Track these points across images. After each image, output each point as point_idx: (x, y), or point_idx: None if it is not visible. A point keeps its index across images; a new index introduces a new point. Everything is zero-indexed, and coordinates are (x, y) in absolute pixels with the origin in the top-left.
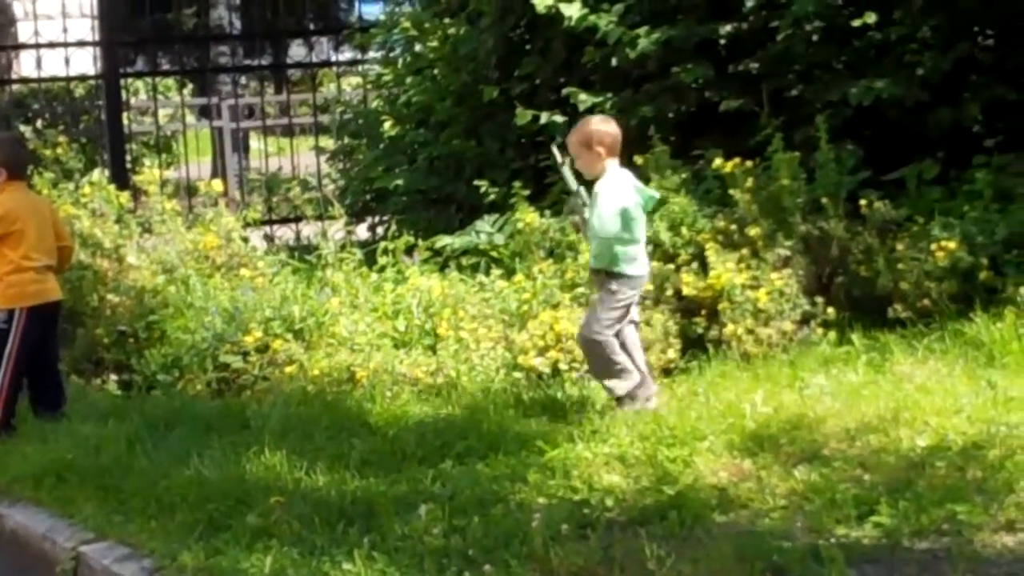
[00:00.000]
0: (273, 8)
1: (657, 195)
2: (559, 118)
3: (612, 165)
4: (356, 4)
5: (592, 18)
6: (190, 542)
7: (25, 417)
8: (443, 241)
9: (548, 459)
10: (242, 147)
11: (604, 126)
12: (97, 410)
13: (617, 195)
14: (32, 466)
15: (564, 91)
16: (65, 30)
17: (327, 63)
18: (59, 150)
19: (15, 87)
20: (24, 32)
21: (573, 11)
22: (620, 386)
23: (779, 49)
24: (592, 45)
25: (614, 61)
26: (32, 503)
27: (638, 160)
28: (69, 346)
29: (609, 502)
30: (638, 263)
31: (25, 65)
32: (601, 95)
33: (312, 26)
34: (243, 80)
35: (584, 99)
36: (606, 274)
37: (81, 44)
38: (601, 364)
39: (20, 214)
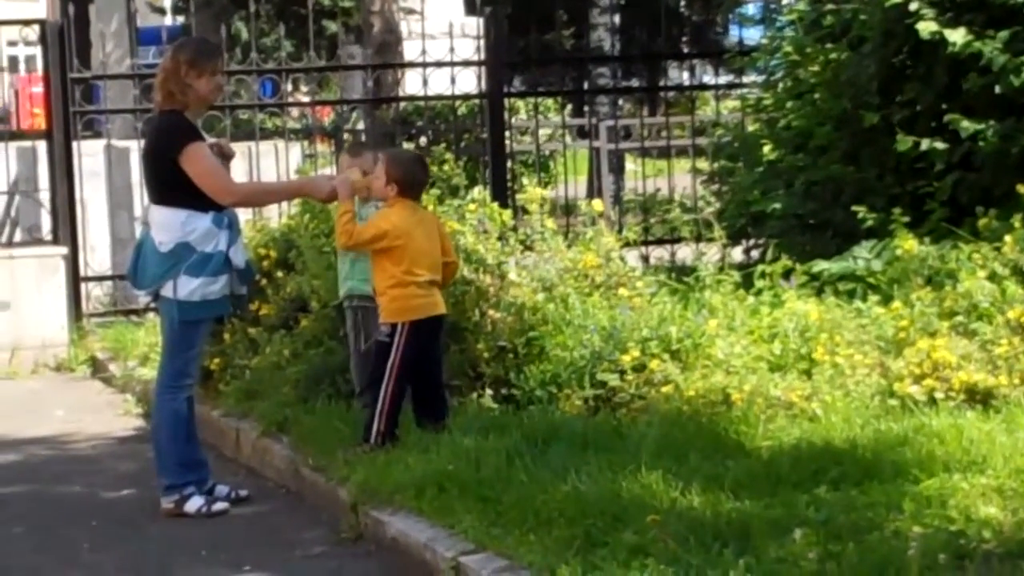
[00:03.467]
0: (651, 31)
1: None
2: (940, 145)
3: None
4: (733, 28)
5: (977, 44)
6: (568, 557)
7: (408, 428)
8: (820, 266)
9: (923, 488)
10: (618, 167)
11: None
12: (477, 423)
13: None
14: (414, 476)
15: (946, 118)
16: (452, 50)
17: (705, 86)
18: (446, 167)
19: (400, 104)
20: (409, 52)
21: (957, 37)
22: None
23: None
24: (976, 72)
25: (998, 88)
26: (413, 512)
27: (1021, 189)
28: (448, 359)
29: (987, 534)
30: None
31: (410, 83)
32: (983, 122)
33: (688, 49)
34: (619, 101)
35: (966, 126)
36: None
37: (467, 64)
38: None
39: (405, 229)
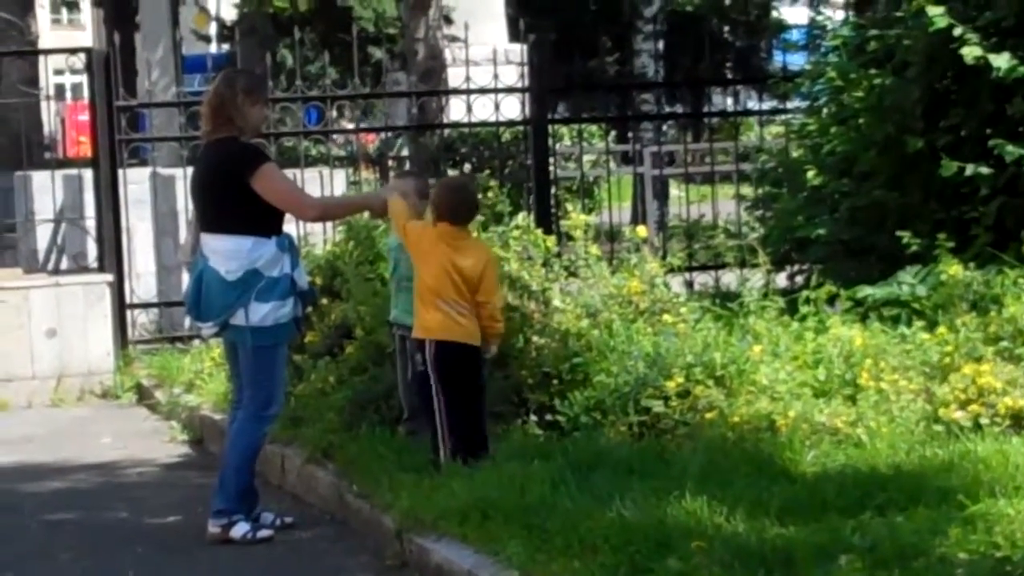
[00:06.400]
0: (695, 57)
1: None
2: (985, 170)
3: None
4: (776, 53)
5: (1021, 69)
6: None
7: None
8: (865, 291)
9: (969, 514)
10: (662, 193)
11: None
12: (521, 449)
13: None
14: (458, 503)
15: (990, 143)
16: (496, 76)
17: (749, 112)
18: (490, 194)
19: (445, 131)
20: (453, 79)
21: (1002, 62)
22: None
23: None
24: (1020, 96)
25: None
26: (457, 539)
27: None
28: (492, 386)
29: None
30: None
31: (454, 110)
32: None
33: (732, 75)
34: (663, 127)
35: (1011, 151)
36: None
37: (511, 90)
38: None
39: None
